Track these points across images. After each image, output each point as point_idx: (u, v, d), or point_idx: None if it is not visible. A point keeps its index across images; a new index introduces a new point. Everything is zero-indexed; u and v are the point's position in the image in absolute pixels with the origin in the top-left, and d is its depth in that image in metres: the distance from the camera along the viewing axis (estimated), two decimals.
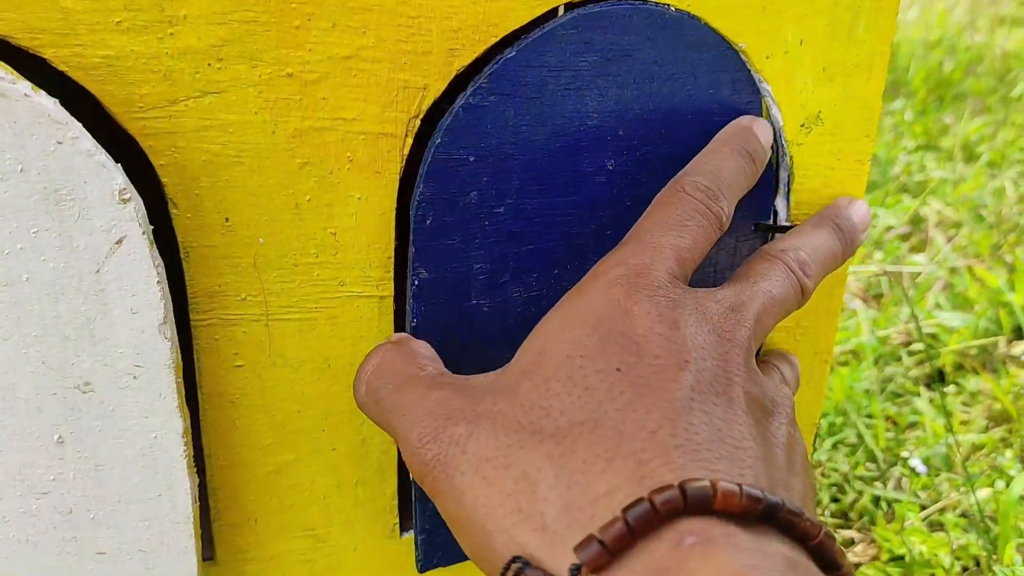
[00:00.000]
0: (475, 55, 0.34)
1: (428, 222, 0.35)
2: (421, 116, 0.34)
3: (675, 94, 0.36)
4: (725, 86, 0.37)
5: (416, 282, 0.36)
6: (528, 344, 0.31)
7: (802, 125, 0.39)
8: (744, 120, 0.37)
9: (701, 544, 0.22)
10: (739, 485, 0.24)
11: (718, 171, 0.35)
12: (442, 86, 0.34)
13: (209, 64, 0.32)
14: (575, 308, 0.30)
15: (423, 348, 0.35)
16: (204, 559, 0.38)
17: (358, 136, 0.34)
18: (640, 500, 0.23)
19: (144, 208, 0.31)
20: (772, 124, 0.39)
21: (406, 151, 0.34)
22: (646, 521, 0.23)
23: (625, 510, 0.23)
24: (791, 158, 0.40)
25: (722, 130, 0.37)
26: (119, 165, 0.30)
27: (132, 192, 0.30)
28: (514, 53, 0.34)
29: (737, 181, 0.35)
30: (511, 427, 0.28)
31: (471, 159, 0.35)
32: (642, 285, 0.30)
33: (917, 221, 1.43)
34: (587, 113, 0.36)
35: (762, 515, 0.24)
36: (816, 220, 0.38)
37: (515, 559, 0.25)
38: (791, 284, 0.34)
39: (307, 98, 0.33)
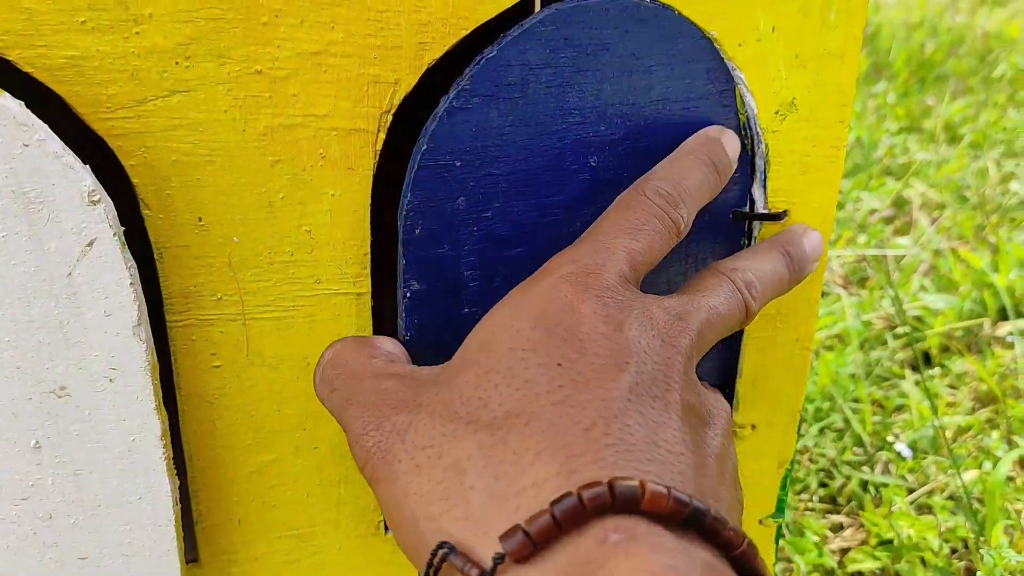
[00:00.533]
0: (445, 48, 0.34)
1: (417, 232, 0.34)
2: (393, 111, 0.34)
3: (653, 87, 0.36)
4: (700, 76, 0.37)
5: (408, 294, 0.35)
6: (473, 336, 0.31)
7: (776, 112, 0.39)
8: (713, 131, 0.37)
9: (625, 542, 0.23)
10: (668, 488, 0.24)
11: (682, 179, 0.35)
12: (413, 80, 0.34)
13: (176, 63, 0.31)
14: (522, 302, 0.30)
15: (384, 343, 0.35)
16: (187, 561, 0.38)
17: (330, 132, 0.34)
18: (568, 494, 0.23)
19: (115, 209, 0.30)
20: (747, 111, 0.38)
21: (379, 146, 0.34)
22: (572, 515, 0.23)
23: (553, 503, 0.23)
24: (766, 145, 0.39)
25: (690, 138, 0.37)
26: (87, 167, 0.30)
27: (102, 193, 0.30)
28: (495, 52, 0.33)
29: (700, 191, 0.35)
30: (448, 416, 0.28)
31: (457, 164, 0.34)
32: (591, 285, 0.30)
33: (901, 203, 1.43)
34: (568, 110, 0.35)
35: (688, 519, 0.24)
36: (768, 244, 0.38)
37: (442, 544, 0.25)
38: (736, 303, 0.34)
39: (277, 95, 0.32)
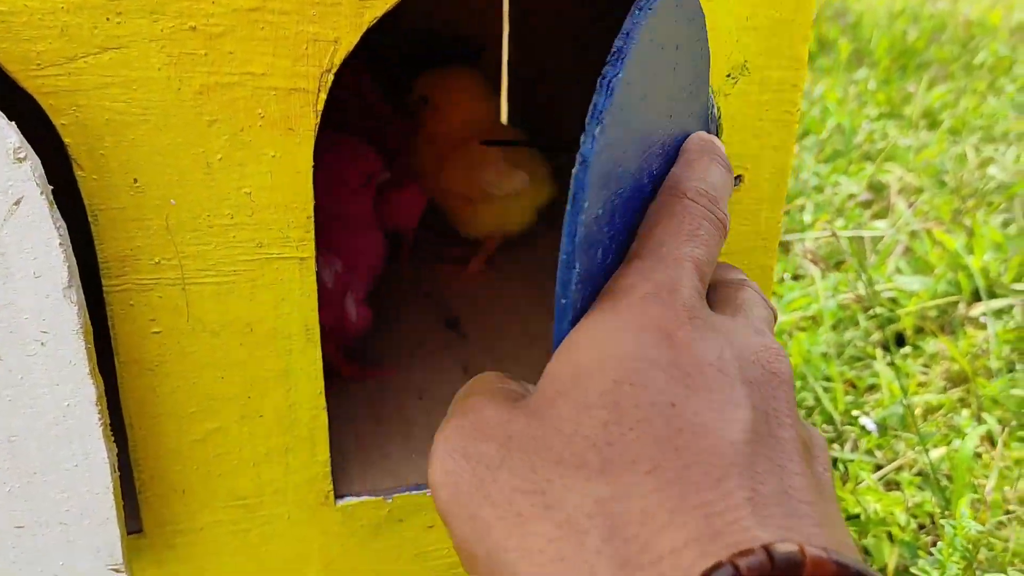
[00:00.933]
0: (387, 6, 0.33)
1: (579, 304, 0.28)
2: (334, 70, 0.33)
3: (682, 76, 0.33)
4: (697, 56, 0.34)
5: None
6: (560, 362, 0.27)
7: (728, 75, 0.39)
8: (704, 135, 0.34)
9: None
10: (825, 550, 0.21)
11: (710, 178, 0.32)
12: (354, 39, 0.33)
13: (107, 19, 0.31)
14: (610, 326, 0.27)
15: (523, 383, 0.31)
16: (131, 532, 0.38)
17: (269, 92, 0.33)
18: (720, 564, 0.21)
19: (42, 167, 0.30)
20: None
21: (319, 106, 0.34)
22: None
23: (706, 574, 0.20)
24: (718, 109, 0.39)
25: (692, 141, 0.34)
26: (13, 123, 0.29)
27: (28, 151, 0.29)
28: (621, 72, 0.27)
29: (725, 188, 0.33)
30: (550, 457, 0.24)
31: (600, 212, 0.28)
32: (677, 306, 0.27)
33: (880, 188, 1.43)
34: (649, 121, 0.30)
35: None
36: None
37: None
38: (771, 310, 0.31)
39: (212, 52, 0.32)
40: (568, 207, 0.26)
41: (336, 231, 0.49)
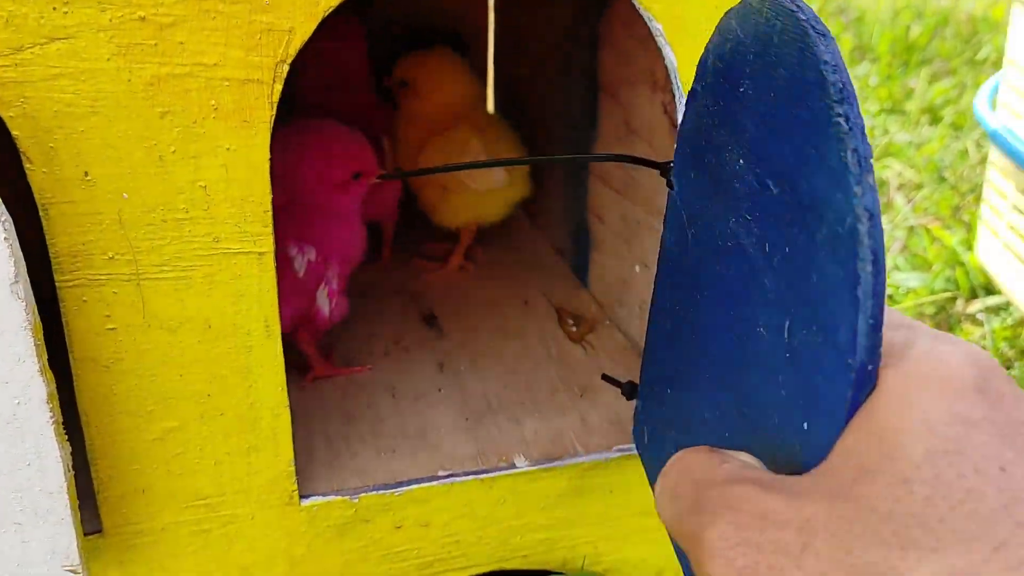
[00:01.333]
0: None
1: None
2: (289, 61, 0.33)
3: None
4: None
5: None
6: (857, 435, 0.25)
7: None
8: None
9: None
10: None
11: None
12: (310, 28, 0.33)
13: (54, 8, 0.30)
14: (905, 388, 0.25)
15: (739, 453, 0.30)
16: (89, 532, 0.37)
17: (222, 83, 0.32)
18: None
19: None
20: (667, 64, 0.37)
21: (275, 98, 0.33)
22: None
23: None
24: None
25: None
26: None
27: None
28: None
29: None
30: (866, 537, 0.23)
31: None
32: (968, 352, 0.25)
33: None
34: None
35: None
36: None
37: None
38: None
39: (163, 43, 0.31)
40: (868, 268, 0.24)
41: (316, 220, 0.48)
